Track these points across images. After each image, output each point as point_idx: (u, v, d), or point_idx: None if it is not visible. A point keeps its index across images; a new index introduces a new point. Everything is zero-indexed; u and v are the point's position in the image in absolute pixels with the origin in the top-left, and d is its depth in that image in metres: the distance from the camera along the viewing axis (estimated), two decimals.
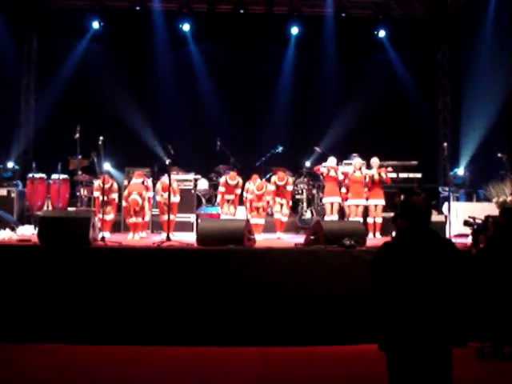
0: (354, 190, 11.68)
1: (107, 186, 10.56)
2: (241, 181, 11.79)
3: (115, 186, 11.23)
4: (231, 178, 11.70)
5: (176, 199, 11.01)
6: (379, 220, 11.47)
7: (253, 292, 7.44)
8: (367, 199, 11.64)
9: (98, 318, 7.36)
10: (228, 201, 11.70)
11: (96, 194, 11.07)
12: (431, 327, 3.81)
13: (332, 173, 11.79)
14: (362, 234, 8.20)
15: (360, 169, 11.78)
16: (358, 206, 11.59)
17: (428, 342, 3.81)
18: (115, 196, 11.15)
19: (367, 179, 11.65)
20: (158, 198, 11.27)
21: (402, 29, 15.80)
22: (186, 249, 8.04)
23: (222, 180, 11.93)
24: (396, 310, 3.88)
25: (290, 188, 11.85)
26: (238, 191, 11.78)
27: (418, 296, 3.84)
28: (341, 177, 11.77)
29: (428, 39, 16.19)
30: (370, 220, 11.51)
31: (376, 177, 11.63)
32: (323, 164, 12.08)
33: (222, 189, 11.74)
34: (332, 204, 11.72)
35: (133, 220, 10.69)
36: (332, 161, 12.04)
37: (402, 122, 15.72)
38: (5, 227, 10.06)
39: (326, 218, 11.46)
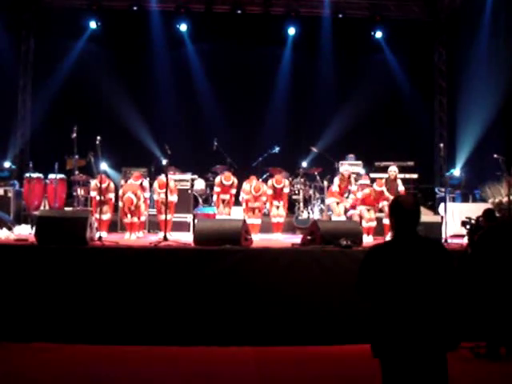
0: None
1: (104, 185, 10.56)
2: (236, 181, 11.82)
3: (112, 185, 11.23)
4: (226, 178, 11.72)
5: (173, 198, 11.04)
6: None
7: (249, 292, 7.46)
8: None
9: (96, 318, 7.37)
10: (223, 201, 11.72)
11: (93, 193, 11.09)
12: (424, 333, 3.70)
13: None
14: (358, 234, 8.23)
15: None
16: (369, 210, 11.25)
17: (421, 348, 3.71)
18: (112, 196, 11.16)
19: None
20: (155, 196, 11.29)
21: (399, 30, 15.84)
22: (182, 249, 8.06)
23: (216, 180, 11.95)
24: (387, 316, 3.76)
25: (286, 190, 11.87)
26: (233, 191, 11.80)
27: (409, 301, 3.72)
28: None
29: (425, 40, 16.24)
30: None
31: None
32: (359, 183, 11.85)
33: (217, 189, 11.77)
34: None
35: (128, 220, 10.71)
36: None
37: (398, 122, 15.77)
38: (2, 227, 10.07)
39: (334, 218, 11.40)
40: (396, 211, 3.92)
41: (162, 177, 10.60)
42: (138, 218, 10.88)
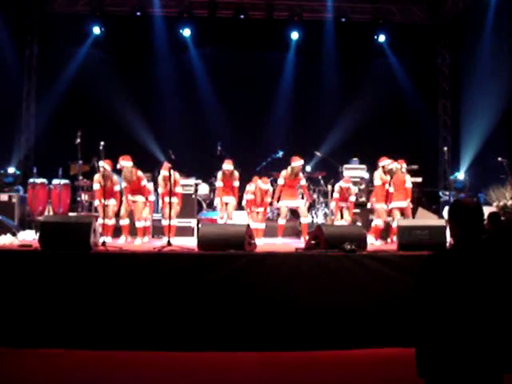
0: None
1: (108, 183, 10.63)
2: (236, 173, 11.70)
3: (115, 178, 11.16)
4: (227, 163, 11.61)
5: (179, 189, 11.07)
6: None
7: (253, 297, 7.44)
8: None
9: (99, 323, 7.35)
10: (226, 204, 11.62)
11: (96, 186, 10.97)
12: (483, 351, 3.27)
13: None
14: (362, 238, 8.21)
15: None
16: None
17: (477, 370, 3.26)
18: (118, 188, 11.10)
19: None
20: (160, 190, 11.20)
21: (402, 33, 15.87)
22: (186, 254, 8.05)
23: (219, 176, 11.77)
24: (441, 332, 3.33)
25: (269, 189, 11.74)
26: (236, 183, 11.68)
27: (470, 316, 3.29)
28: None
29: (428, 44, 16.26)
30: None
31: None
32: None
33: (219, 183, 11.66)
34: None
35: (124, 223, 10.79)
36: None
37: (402, 126, 15.78)
38: (6, 232, 10.08)
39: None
40: (459, 215, 3.52)
41: (166, 171, 10.57)
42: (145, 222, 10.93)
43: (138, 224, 10.76)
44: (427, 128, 16.07)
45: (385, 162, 11.18)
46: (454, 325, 3.31)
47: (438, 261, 3.47)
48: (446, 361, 3.31)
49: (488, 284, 3.34)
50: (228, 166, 11.52)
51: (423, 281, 3.43)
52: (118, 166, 10.88)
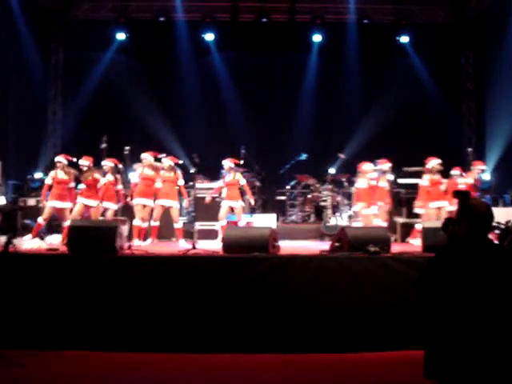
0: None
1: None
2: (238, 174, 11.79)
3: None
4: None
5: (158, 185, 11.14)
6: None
7: (277, 299, 7.46)
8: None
9: (125, 326, 7.44)
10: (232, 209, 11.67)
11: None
12: (493, 353, 3.25)
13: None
14: (386, 240, 8.18)
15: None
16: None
17: (490, 372, 3.24)
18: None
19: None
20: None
21: (425, 34, 15.78)
22: (211, 256, 8.10)
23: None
24: (450, 332, 3.34)
25: (243, 182, 11.73)
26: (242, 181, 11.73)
27: (479, 317, 3.30)
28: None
29: (451, 44, 16.14)
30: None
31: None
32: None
33: (221, 183, 11.79)
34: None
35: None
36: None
37: (426, 127, 15.69)
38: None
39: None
40: (469, 215, 3.64)
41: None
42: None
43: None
44: (451, 129, 15.96)
45: (434, 162, 11.17)
46: (463, 324, 3.32)
47: (447, 252, 3.58)
48: (458, 363, 3.29)
49: (496, 280, 3.38)
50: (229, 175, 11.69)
51: (433, 267, 3.55)
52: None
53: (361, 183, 11.60)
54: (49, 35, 15.85)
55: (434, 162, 11.17)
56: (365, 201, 11.41)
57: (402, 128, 15.56)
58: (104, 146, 10.60)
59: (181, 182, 11.23)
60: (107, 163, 10.90)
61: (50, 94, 15.93)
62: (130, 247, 8.63)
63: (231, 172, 11.62)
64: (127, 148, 9.99)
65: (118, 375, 6.46)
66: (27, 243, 9.58)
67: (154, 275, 7.59)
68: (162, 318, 7.45)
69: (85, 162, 10.68)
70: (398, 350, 7.08)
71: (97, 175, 10.76)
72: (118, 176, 11.17)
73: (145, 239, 11.00)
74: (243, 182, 11.61)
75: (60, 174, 10.65)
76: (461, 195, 3.76)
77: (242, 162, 13.04)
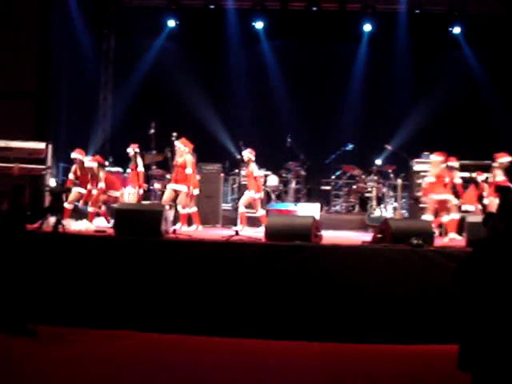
0: None
1: None
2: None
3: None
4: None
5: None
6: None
7: (318, 288, 7.52)
8: None
9: (167, 308, 7.61)
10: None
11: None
12: None
13: None
14: (430, 233, 8.14)
15: None
16: None
17: None
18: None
19: None
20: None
21: (478, 25, 15.42)
22: (253, 243, 8.19)
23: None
24: (486, 325, 3.34)
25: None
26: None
27: None
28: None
29: (505, 35, 15.74)
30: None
31: None
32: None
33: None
34: None
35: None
36: None
37: (476, 120, 15.39)
38: (82, 218, 10.53)
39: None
40: (509, 210, 3.69)
41: None
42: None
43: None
44: (503, 122, 15.60)
45: (506, 158, 11.01)
46: (500, 318, 3.32)
47: (486, 247, 3.62)
48: (493, 357, 3.27)
49: None
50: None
51: (471, 262, 3.58)
52: None
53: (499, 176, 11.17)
54: (101, 22, 16.10)
55: (506, 159, 10.95)
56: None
57: (452, 120, 15.29)
58: (152, 131, 10.76)
59: (189, 170, 10.96)
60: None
61: (101, 80, 16.19)
62: (174, 231, 8.80)
63: (250, 163, 11.63)
64: (175, 134, 10.12)
65: (158, 355, 6.64)
66: (75, 224, 9.84)
67: (197, 259, 7.74)
68: (202, 302, 7.59)
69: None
70: (436, 344, 7.05)
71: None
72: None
73: (189, 225, 11.12)
74: (256, 173, 11.61)
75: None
76: (502, 190, 3.74)
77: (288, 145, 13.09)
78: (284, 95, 15.83)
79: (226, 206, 12.24)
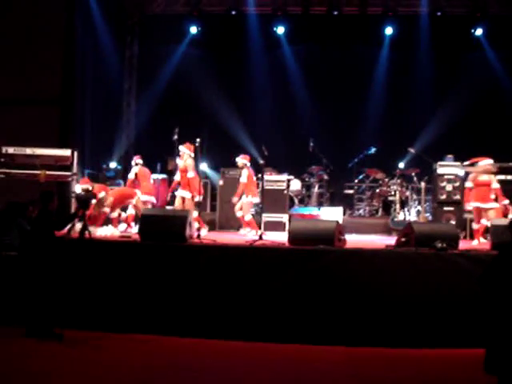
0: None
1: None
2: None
3: None
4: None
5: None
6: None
7: (342, 292, 7.53)
8: None
9: (192, 312, 7.68)
10: None
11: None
12: None
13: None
14: (454, 236, 8.12)
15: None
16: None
17: None
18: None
19: None
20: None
21: (501, 26, 15.31)
22: (277, 248, 8.23)
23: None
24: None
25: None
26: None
27: None
28: None
29: None
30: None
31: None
32: None
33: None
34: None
35: None
36: None
37: (500, 123, 15.24)
38: (107, 224, 10.66)
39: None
40: None
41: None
42: None
43: None
44: None
45: None
46: None
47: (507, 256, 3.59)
48: None
49: None
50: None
51: (497, 266, 3.62)
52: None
53: None
54: (124, 29, 16.28)
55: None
56: None
57: (475, 123, 15.17)
58: (175, 137, 10.85)
59: (190, 174, 10.98)
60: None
61: (124, 86, 16.36)
62: (198, 236, 8.87)
63: (244, 168, 11.70)
64: (198, 140, 10.20)
65: (181, 357, 6.70)
66: (101, 230, 9.97)
67: (221, 264, 7.80)
68: (228, 306, 7.65)
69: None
70: (460, 349, 7.03)
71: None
72: None
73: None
74: (242, 180, 11.66)
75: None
76: None
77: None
78: (306, 99, 15.86)
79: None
